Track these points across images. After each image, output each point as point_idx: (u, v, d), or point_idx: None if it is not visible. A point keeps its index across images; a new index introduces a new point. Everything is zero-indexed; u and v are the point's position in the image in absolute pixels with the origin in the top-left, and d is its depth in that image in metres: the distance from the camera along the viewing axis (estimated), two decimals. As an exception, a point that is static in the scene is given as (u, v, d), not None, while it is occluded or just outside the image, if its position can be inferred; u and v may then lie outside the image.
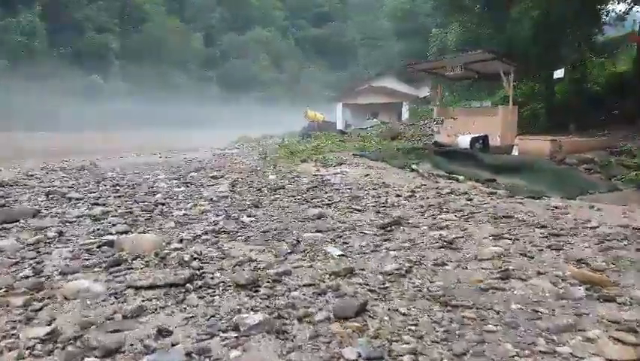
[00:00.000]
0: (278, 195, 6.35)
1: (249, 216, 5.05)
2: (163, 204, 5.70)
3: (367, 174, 7.89)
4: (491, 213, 4.81)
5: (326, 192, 6.52)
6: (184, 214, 5.15)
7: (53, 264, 3.40)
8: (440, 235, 4.07)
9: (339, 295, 2.69)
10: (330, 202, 5.79)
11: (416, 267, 3.23)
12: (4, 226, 4.54)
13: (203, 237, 4.12)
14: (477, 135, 10.54)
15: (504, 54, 11.08)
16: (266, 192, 6.65)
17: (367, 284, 2.88)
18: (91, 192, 6.80)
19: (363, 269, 3.18)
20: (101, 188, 7.27)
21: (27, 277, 3.09)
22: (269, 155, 12.70)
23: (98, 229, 4.42)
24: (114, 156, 16.87)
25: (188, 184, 7.40)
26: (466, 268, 3.20)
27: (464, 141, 10.53)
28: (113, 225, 4.57)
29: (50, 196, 6.32)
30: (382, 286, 2.86)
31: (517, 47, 12.32)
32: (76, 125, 47.03)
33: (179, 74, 74.44)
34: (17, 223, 4.65)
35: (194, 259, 3.40)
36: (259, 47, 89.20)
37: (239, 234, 4.28)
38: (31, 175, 9.59)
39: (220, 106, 70.48)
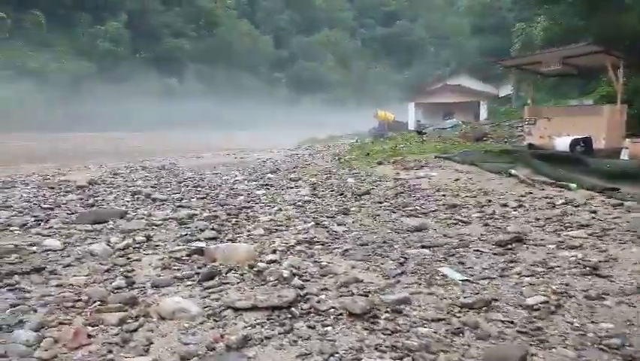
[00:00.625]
0: (364, 201, 5.89)
1: (339, 224, 4.64)
2: (248, 208, 5.45)
3: (457, 179, 7.22)
4: (632, 231, 4.02)
5: (416, 199, 5.97)
6: (270, 220, 4.84)
7: (145, 273, 3.18)
8: (575, 257, 3.39)
9: (480, 337, 2.17)
10: (425, 211, 5.24)
11: (564, 300, 2.63)
12: (95, 226, 4.47)
13: (297, 247, 3.75)
14: (578, 137, 9.43)
15: (612, 46, 9.83)
16: (350, 196, 6.21)
17: (512, 322, 2.33)
18: (174, 193, 6.75)
19: (496, 299, 2.63)
20: (182, 189, 7.22)
21: (119, 288, 2.88)
22: (342, 156, 12.29)
23: (186, 235, 4.21)
24: (190, 155, 17.34)
25: (268, 186, 7.16)
26: (634, 306, 2.55)
27: (563, 144, 9.45)
28: (201, 230, 4.35)
29: (136, 197, 6.31)
30: (531, 325, 2.30)
31: (624, 38, 10.94)
32: (151, 124, 49.76)
33: (248, 76, 76.38)
34: (106, 224, 4.58)
35: (294, 275, 3.02)
36: (326, 48, 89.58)
37: (334, 245, 3.87)
38: (116, 174, 9.86)
39: (287, 107, 71.51)
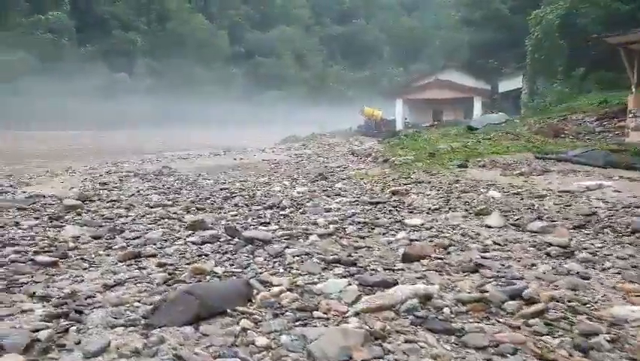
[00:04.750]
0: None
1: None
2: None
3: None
4: None
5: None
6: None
7: None
8: None
9: None
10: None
11: None
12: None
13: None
14: None
15: None
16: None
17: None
18: (218, 209, 4.63)
19: None
20: (218, 199, 5.09)
21: None
22: (384, 157, 10.17)
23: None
24: (167, 155, 14.89)
25: (384, 211, 5.00)
26: None
27: None
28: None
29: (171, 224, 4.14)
30: None
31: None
32: (100, 122, 45.63)
33: (203, 72, 72.90)
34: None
35: None
36: (283, 45, 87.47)
37: None
38: (104, 183, 7.54)
39: (245, 104, 68.93)
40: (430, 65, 63.03)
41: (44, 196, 6.08)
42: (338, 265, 2.64)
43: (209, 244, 3.14)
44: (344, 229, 3.59)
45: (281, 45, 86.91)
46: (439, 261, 2.78)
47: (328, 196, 5.27)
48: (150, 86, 60.72)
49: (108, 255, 3.08)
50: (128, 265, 2.75)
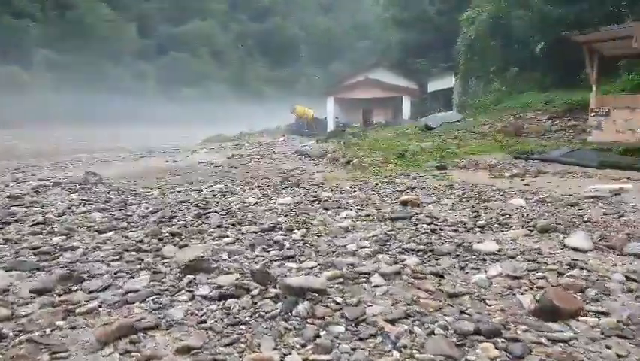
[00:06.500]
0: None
1: None
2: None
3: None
4: None
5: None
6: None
7: None
8: None
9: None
10: None
11: None
12: None
13: None
14: None
15: None
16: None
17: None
18: (198, 233, 3.56)
19: None
20: (187, 217, 4.01)
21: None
22: (350, 159, 9.24)
23: None
24: (81, 158, 12.91)
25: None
26: None
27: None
28: None
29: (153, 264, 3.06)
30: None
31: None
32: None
33: (112, 66, 67.38)
34: None
35: None
36: (198, 40, 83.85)
37: None
38: (17, 198, 6.02)
39: (158, 101, 64.96)
40: (350, 66, 64.00)
41: None
42: (478, 336, 1.78)
43: (234, 300, 2.12)
44: (403, 262, 2.71)
45: (196, 40, 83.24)
46: (607, 319, 2.01)
47: (326, 210, 4.36)
48: (52, 80, 54.63)
49: (73, 329, 1.95)
50: (122, 355, 1.68)
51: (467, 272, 2.62)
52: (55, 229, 3.96)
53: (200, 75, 77.02)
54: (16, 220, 4.48)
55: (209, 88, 76.16)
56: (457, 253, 2.93)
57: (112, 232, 3.80)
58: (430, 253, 2.95)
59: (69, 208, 5.04)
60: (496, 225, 3.58)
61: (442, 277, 2.55)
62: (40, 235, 3.79)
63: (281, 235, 3.45)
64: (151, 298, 2.19)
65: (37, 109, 47.51)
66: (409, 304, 2.18)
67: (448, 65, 24.23)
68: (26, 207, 5.28)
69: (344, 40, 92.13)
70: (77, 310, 2.10)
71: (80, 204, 5.33)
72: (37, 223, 4.23)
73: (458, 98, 21.21)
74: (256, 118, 36.69)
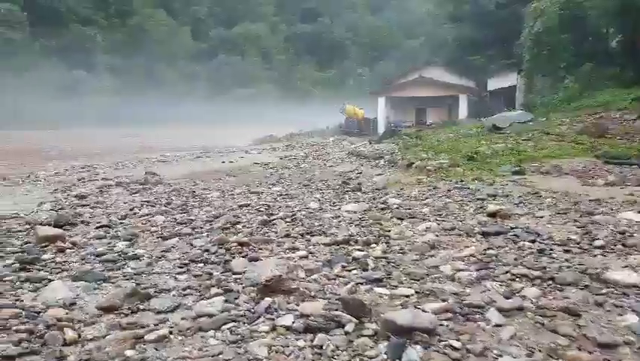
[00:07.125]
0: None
1: None
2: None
3: None
4: None
5: None
6: None
7: None
8: None
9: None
10: None
11: None
12: None
13: None
14: None
15: None
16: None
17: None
18: (266, 243, 3.27)
19: None
20: (253, 223, 3.73)
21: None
22: (412, 162, 8.63)
23: None
24: (138, 157, 13.20)
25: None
26: None
27: None
28: None
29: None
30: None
31: None
32: (60, 122, 42.35)
33: (166, 69, 69.99)
34: None
35: None
36: (248, 42, 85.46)
37: None
38: (83, 197, 6.04)
39: (209, 102, 66.57)
40: (398, 65, 62.82)
41: (4, 219, 4.54)
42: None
43: (324, 337, 1.79)
44: (519, 293, 2.25)
45: (246, 42, 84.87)
46: None
47: (401, 220, 3.95)
48: (112, 84, 57.38)
49: (144, 361, 1.69)
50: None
51: (608, 310, 2.09)
52: (119, 234, 3.82)
53: (249, 77, 78.37)
54: (82, 222, 4.42)
55: (259, 89, 77.31)
56: (585, 282, 2.40)
57: (176, 239, 3.62)
58: (549, 282, 2.43)
59: (131, 210, 4.96)
60: (619, 245, 3.01)
61: (577, 316, 2.04)
62: (105, 240, 3.66)
63: (357, 249, 3.09)
64: (227, 326, 1.91)
65: (99, 111, 50.03)
66: (550, 356, 1.72)
67: (509, 62, 22.93)
68: (91, 207, 5.27)
69: (392, 40, 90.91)
70: (147, 337, 1.85)
71: (142, 205, 5.24)
72: (102, 226, 4.13)
73: (523, 97, 20.00)
74: (304, 118, 36.69)
